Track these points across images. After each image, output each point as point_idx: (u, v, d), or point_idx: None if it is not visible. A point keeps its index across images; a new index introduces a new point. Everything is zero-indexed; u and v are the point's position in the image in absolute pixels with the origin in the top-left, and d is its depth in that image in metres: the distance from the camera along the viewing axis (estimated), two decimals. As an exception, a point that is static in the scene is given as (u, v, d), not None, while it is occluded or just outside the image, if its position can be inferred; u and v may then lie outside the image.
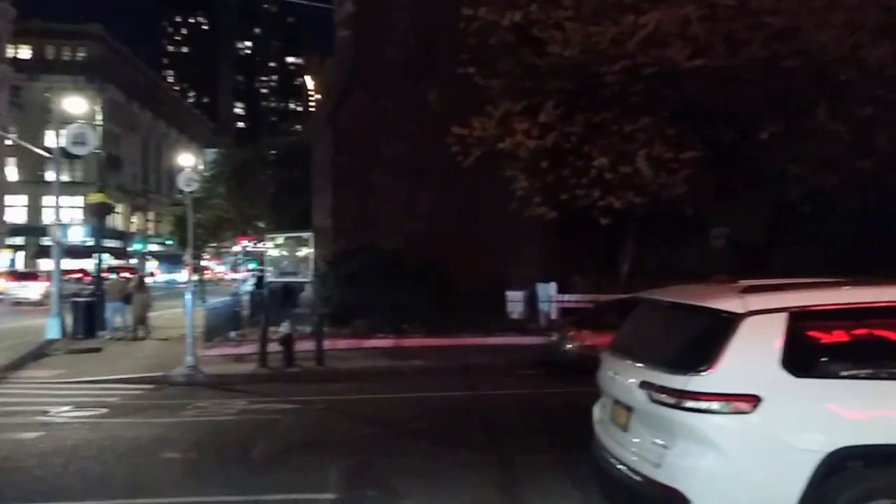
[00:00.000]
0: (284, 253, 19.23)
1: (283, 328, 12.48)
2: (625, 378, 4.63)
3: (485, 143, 13.26)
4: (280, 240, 19.66)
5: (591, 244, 15.16)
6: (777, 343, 3.94)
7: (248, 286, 26.08)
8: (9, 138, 36.82)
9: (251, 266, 45.78)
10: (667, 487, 4.00)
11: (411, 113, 17.57)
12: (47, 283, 23.92)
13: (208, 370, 11.91)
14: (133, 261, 57.62)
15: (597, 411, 5.33)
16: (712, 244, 16.27)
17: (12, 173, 55.85)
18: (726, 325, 4.03)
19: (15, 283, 28.77)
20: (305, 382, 11.36)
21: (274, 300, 17.70)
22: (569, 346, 11.50)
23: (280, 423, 8.50)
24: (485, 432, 7.92)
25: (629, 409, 4.55)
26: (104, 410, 9.04)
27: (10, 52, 54.51)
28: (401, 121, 17.80)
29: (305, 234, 18.83)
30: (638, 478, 4.27)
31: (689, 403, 3.93)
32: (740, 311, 4.03)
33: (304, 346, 12.91)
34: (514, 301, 16.83)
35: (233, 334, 15.82)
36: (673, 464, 4.03)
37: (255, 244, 37.31)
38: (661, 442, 4.16)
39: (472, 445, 7.22)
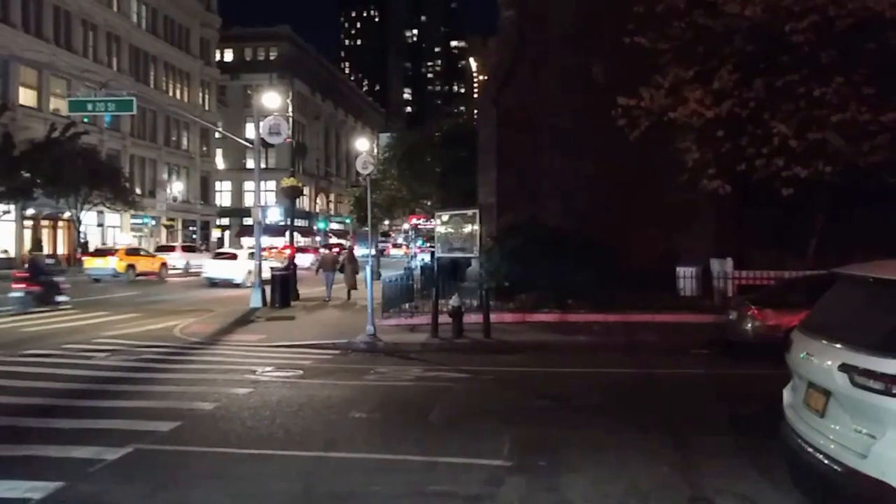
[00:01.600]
0: (451, 230, 19.91)
1: (453, 301, 12.98)
2: (821, 360, 4.32)
3: (653, 114, 12.74)
4: (446, 217, 20.37)
5: (771, 216, 14.08)
6: None
7: (419, 261, 27.36)
8: (217, 132, 41.62)
9: (419, 243, 47.92)
10: (875, 481, 3.69)
11: (576, 87, 17.28)
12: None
13: (386, 339, 12.73)
14: (318, 238, 62.58)
15: (787, 394, 5.02)
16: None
17: (220, 162, 62.91)
18: None
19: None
20: (474, 353, 11.77)
21: (443, 275, 18.42)
22: (749, 325, 10.82)
23: (453, 390, 8.88)
24: (658, 411, 7.74)
25: (827, 393, 4.25)
26: (300, 372, 9.93)
27: (217, 56, 61.34)
28: (565, 96, 17.57)
29: (471, 211, 19.33)
30: (837, 467, 3.98)
31: None
32: None
33: (472, 318, 13.37)
34: (686, 277, 16.03)
35: (406, 306, 16.72)
36: (882, 455, 3.70)
37: (424, 222, 38.88)
38: (865, 430, 3.85)
39: (644, 423, 7.09)
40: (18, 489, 5.03)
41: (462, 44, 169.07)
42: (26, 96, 38.40)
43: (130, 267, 28.54)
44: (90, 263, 28.91)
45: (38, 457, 5.80)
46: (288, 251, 23.73)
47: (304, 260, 31.71)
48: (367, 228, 26.00)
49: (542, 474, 5.51)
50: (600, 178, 16.84)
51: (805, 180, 11.95)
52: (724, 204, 14.55)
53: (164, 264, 31.48)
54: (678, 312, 14.28)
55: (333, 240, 61.65)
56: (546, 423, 7.20)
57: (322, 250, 26.16)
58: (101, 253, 30.08)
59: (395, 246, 64.81)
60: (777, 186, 12.09)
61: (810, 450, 4.30)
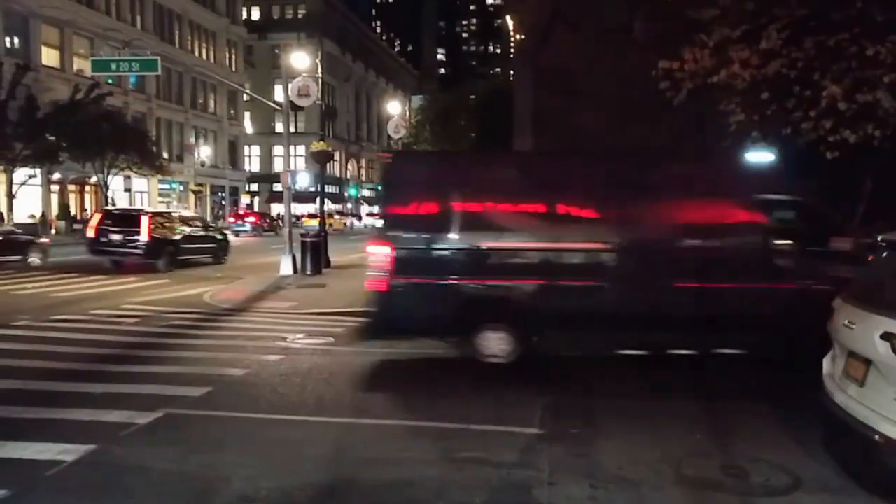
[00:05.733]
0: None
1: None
2: (863, 328, 4.22)
3: (697, 77, 12.33)
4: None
5: (817, 183, 13.60)
6: None
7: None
8: (245, 93, 41.55)
9: None
10: None
11: (616, 47, 16.80)
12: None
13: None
14: (350, 205, 62.43)
15: (826, 363, 4.94)
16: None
17: (248, 126, 62.65)
18: None
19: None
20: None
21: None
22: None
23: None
24: (692, 378, 7.66)
25: (867, 362, 4.16)
26: (331, 339, 9.95)
27: (243, 14, 60.54)
28: (604, 56, 17.11)
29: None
30: (876, 437, 3.94)
31: None
32: None
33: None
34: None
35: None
36: None
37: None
38: None
39: (680, 391, 7.04)
40: (50, 451, 5.13)
41: (499, 1, 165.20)
42: (49, 56, 37.89)
43: (330, 225, 43.77)
44: (308, 222, 42.94)
45: (69, 420, 5.91)
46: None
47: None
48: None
49: (575, 441, 5.51)
50: (640, 141, 16.43)
51: (853, 145, 11.52)
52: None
53: (344, 224, 53.59)
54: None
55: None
56: (578, 390, 7.17)
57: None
58: (314, 216, 46.76)
59: None
60: (822, 151, 11.68)
61: (849, 419, 4.25)
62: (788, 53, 11.45)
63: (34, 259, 20.21)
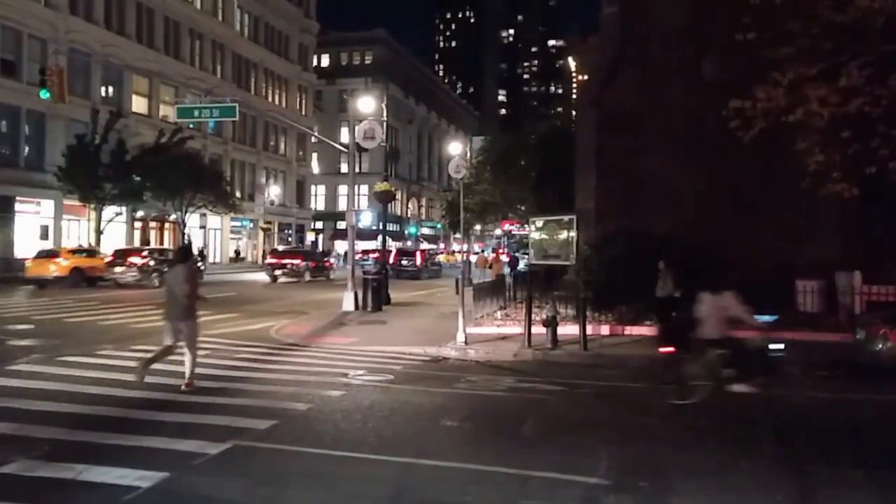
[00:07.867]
0: (545, 236, 19.42)
1: (548, 311, 12.56)
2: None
3: (771, 115, 11.80)
4: (541, 223, 19.88)
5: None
6: None
7: (507, 269, 27.19)
8: (313, 136, 42.98)
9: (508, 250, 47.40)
10: None
11: (682, 86, 16.44)
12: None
13: (477, 347, 12.49)
14: (409, 243, 62.92)
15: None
16: None
17: (315, 166, 64.67)
18: None
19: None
20: (569, 366, 11.35)
21: (536, 282, 17.95)
22: (881, 345, 9.83)
23: (547, 403, 8.58)
24: (774, 436, 7.12)
25: None
26: (391, 377, 9.87)
27: (314, 61, 63.14)
28: (671, 95, 16.75)
29: (567, 217, 18.76)
30: None
31: None
32: None
33: (567, 329, 12.88)
34: (807, 292, 14.77)
35: (499, 314, 16.38)
36: None
37: (517, 228, 38.58)
38: None
39: (757, 449, 6.54)
40: (129, 477, 5.29)
41: (560, 43, 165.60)
42: (138, 104, 40.53)
43: (446, 260, 58.98)
44: (447, 260, 57.23)
45: (146, 447, 6.07)
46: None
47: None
48: (458, 235, 25.98)
49: (643, 496, 5.22)
50: (709, 182, 15.89)
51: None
52: (850, 212, 13.35)
53: (455, 259, 61.94)
54: (797, 330, 13.13)
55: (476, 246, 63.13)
56: (647, 441, 6.80)
57: (475, 254, 37.98)
58: (450, 252, 65.65)
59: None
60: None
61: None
62: (871, 91, 10.86)
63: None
